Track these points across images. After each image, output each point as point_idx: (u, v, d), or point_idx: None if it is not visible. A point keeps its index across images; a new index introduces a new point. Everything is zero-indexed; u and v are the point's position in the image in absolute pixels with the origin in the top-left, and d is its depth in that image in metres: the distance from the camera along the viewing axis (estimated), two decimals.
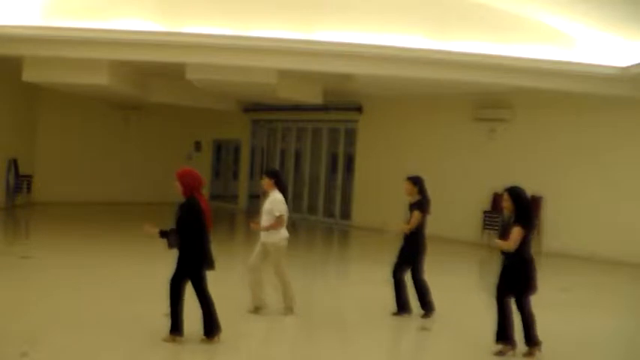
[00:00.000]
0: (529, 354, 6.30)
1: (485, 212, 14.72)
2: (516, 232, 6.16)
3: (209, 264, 6.26)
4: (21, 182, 17.05)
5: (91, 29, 12.02)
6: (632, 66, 12.04)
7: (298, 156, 19.89)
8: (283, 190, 7.38)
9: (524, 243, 6.23)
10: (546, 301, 9.86)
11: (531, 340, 6.32)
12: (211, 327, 6.25)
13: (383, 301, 8.05)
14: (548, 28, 12.65)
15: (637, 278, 12.36)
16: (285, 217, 7.33)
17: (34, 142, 18.40)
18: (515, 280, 6.26)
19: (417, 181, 7.87)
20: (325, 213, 18.76)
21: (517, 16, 12.52)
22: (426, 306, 7.80)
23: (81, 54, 12.47)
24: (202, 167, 21.91)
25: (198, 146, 22.04)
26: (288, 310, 7.47)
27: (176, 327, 6.19)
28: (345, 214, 18.18)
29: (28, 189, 17.48)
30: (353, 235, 16.70)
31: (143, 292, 8.20)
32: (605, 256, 13.25)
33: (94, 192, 18.90)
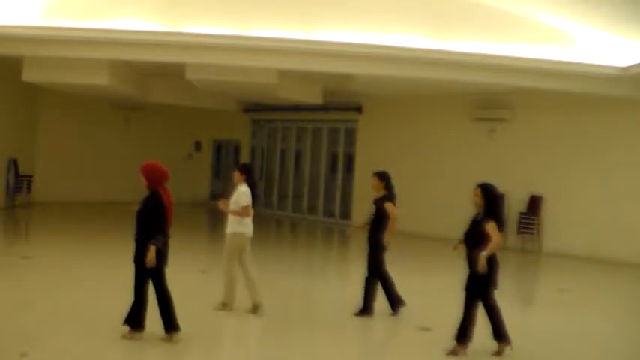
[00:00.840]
0: (499, 352, 6.29)
1: None
2: (494, 228, 6.09)
3: (165, 260, 6.24)
4: (21, 182, 17.05)
5: (91, 29, 12.02)
6: (632, 66, 12.04)
7: (298, 156, 19.89)
8: (253, 186, 7.52)
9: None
10: (546, 301, 9.92)
11: (502, 336, 6.30)
12: (171, 324, 6.20)
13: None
14: (548, 28, 12.65)
15: (637, 278, 12.36)
16: (251, 210, 7.44)
17: (34, 142, 18.39)
18: (482, 278, 6.18)
19: (383, 177, 7.80)
20: (325, 213, 18.76)
21: (517, 16, 12.52)
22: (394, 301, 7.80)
23: (81, 54, 12.48)
24: (202, 167, 21.94)
25: (198, 146, 22.04)
26: (225, 305, 7.52)
27: (138, 323, 6.17)
28: (345, 214, 18.18)
29: (28, 189, 17.47)
30: (353, 235, 16.65)
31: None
32: (605, 256, 13.25)
33: (94, 192, 18.90)
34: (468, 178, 15.17)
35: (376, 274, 7.73)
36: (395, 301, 7.81)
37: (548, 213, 14.31)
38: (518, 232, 14.46)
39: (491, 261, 6.19)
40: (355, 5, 12.48)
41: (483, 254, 6.02)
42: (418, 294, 9.44)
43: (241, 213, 7.37)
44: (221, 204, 7.51)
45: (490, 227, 6.10)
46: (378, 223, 7.65)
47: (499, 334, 6.34)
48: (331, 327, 7.40)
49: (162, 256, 6.17)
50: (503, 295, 10.86)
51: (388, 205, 7.60)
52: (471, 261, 6.23)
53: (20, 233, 15.10)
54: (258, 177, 20.62)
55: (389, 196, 7.71)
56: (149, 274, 6.18)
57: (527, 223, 14.35)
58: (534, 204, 14.44)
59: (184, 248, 12.65)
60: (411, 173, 15.58)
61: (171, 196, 6.34)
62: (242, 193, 7.41)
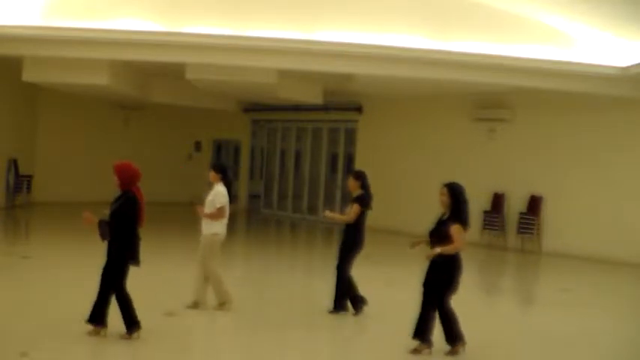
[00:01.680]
0: (453, 352, 6.19)
1: (485, 212, 14.75)
2: (459, 231, 6.02)
3: (135, 260, 6.22)
4: (21, 182, 17.05)
5: (91, 29, 12.02)
6: (632, 66, 12.03)
7: (298, 156, 19.88)
8: (228, 186, 7.50)
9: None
10: (546, 301, 9.92)
11: (455, 337, 6.21)
12: (130, 323, 6.18)
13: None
14: (548, 28, 12.65)
15: (637, 278, 12.35)
16: (227, 210, 7.42)
17: (34, 142, 18.39)
18: (443, 278, 6.12)
19: (359, 176, 7.81)
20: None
21: (517, 16, 12.52)
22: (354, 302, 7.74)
23: (81, 54, 12.47)
24: (202, 167, 21.92)
25: (198, 146, 22.04)
26: (197, 305, 7.50)
27: (101, 319, 6.18)
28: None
29: (28, 189, 17.47)
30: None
31: (143, 292, 8.17)
32: (605, 256, 13.25)
33: (94, 192, 18.83)
34: (468, 178, 15.23)
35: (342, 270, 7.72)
36: (352, 302, 7.76)
37: (548, 213, 14.31)
38: (518, 232, 14.46)
39: (454, 264, 6.13)
40: (355, 5, 12.48)
41: (437, 250, 6.03)
42: (418, 293, 9.44)
43: (215, 215, 7.34)
44: (196, 209, 7.51)
45: (454, 229, 6.04)
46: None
47: (452, 337, 6.23)
48: (329, 325, 7.40)
49: (125, 253, 6.14)
50: (504, 295, 10.90)
51: (354, 206, 7.67)
52: (433, 262, 6.17)
53: (20, 233, 15.10)
54: (259, 177, 20.65)
55: (364, 195, 7.69)
56: (121, 271, 6.17)
57: (527, 223, 14.34)
58: (534, 204, 14.44)
59: (184, 248, 12.67)
60: (411, 173, 15.58)
61: (144, 196, 6.36)
62: (218, 193, 7.38)
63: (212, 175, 7.53)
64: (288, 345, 6.75)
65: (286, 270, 11.48)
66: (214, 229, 7.44)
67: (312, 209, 19.02)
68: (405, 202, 15.44)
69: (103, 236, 6.18)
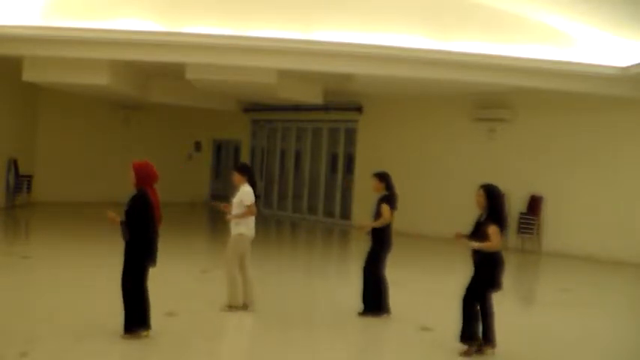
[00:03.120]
0: (480, 351, 6.29)
1: None
2: (496, 233, 6.09)
3: (153, 259, 6.25)
4: (21, 182, 17.05)
5: (91, 29, 12.02)
6: (632, 66, 12.04)
7: (298, 156, 19.89)
8: (253, 186, 7.50)
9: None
10: (546, 301, 9.92)
11: (489, 340, 6.31)
12: (131, 323, 6.20)
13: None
14: (548, 28, 12.65)
15: (637, 278, 12.36)
16: (254, 208, 7.45)
17: (34, 142, 18.39)
18: (484, 277, 6.21)
19: (383, 177, 7.78)
20: (325, 213, 18.76)
21: (517, 16, 12.52)
22: (380, 306, 7.69)
23: (81, 54, 12.47)
24: (202, 167, 21.95)
25: (198, 146, 22.04)
26: (233, 307, 7.52)
27: (144, 321, 6.23)
28: (345, 214, 18.19)
29: (28, 189, 17.47)
30: (353, 235, 16.70)
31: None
32: (605, 256, 13.26)
33: (94, 192, 18.89)
34: (469, 178, 15.28)
35: (377, 273, 7.70)
36: (380, 307, 7.70)
37: (548, 213, 14.32)
38: (518, 232, 14.46)
39: (494, 262, 6.20)
40: (355, 5, 12.48)
41: (475, 243, 6.12)
42: (418, 293, 9.46)
43: (247, 212, 7.37)
44: (223, 207, 7.56)
45: (492, 230, 6.11)
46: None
47: (487, 337, 6.34)
48: (330, 326, 7.40)
49: (143, 253, 6.18)
50: (504, 295, 10.87)
51: (383, 207, 7.62)
52: (475, 261, 6.26)
53: (20, 233, 15.10)
54: (258, 177, 20.60)
55: (390, 195, 7.72)
56: (140, 271, 6.21)
57: (527, 223, 14.35)
58: (534, 204, 14.44)
59: (184, 248, 12.68)
60: (411, 173, 15.59)
61: (159, 197, 6.34)
62: (246, 193, 7.39)
63: (237, 177, 7.50)
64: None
65: (288, 270, 11.47)
66: (240, 229, 7.46)
67: (312, 209, 19.04)
68: (405, 202, 15.40)
69: (124, 236, 6.20)
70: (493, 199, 6.24)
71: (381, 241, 7.66)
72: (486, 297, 6.33)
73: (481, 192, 6.29)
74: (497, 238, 6.10)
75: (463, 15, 12.52)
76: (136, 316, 6.21)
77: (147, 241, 6.20)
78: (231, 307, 7.51)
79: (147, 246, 6.19)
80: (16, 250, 11.74)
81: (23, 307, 7.37)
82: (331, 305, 8.60)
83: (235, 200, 7.47)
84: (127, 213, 6.19)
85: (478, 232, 6.25)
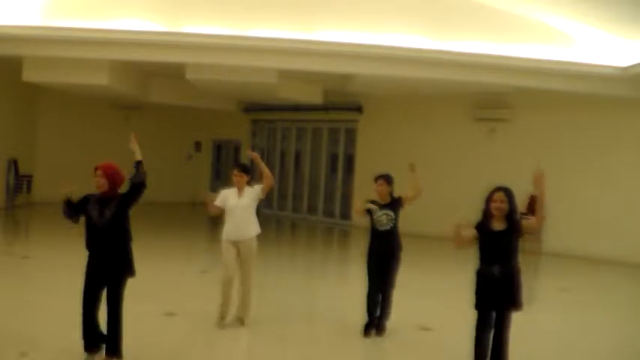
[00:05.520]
0: None
1: None
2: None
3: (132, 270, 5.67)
4: (21, 182, 17.05)
5: (91, 29, 12.02)
6: (632, 66, 12.04)
7: (298, 156, 19.89)
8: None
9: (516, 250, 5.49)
10: (546, 301, 9.91)
11: None
12: (116, 345, 5.53)
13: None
14: (548, 28, 12.66)
15: (637, 278, 12.36)
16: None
17: (34, 142, 18.40)
18: (504, 294, 5.45)
19: (389, 180, 7.29)
20: (325, 213, 18.76)
21: (517, 16, 12.53)
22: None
23: (81, 54, 12.48)
24: (202, 167, 21.94)
25: (198, 146, 22.04)
26: (240, 320, 7.12)
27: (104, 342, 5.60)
28: (345, 214, 18.19)
29: (28, 189, 17.47)
30: (353, 235, 16.70)
31: (143, 292, 8.18)
32: (605, 256, 13.26)
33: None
34: (469, 178, 15.30)
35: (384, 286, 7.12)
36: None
37: (548, 213, 14.30)
38: None
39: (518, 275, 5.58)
40: (355, 5, 12.48)
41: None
42: (418, 294, 9.45)
43: (268, 180, 6.92)
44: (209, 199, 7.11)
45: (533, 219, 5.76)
46: None
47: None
48: (330, 325, 7.40)
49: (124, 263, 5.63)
50: None
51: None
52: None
53: (20, 233, 15.10)
54: (259, 177, 20.60)
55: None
56: (107, 284, 5.59)
57: None
58: (534, 204, 14.40)
59: (184, 248, 12.69)
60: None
61: None
62: (257, 187, 7.01)
63: (243, 177, 7.05)
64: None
65: (299, 270, 11.48)
66: (256, 229, 7.11)
67: (312, 209, 19.04)
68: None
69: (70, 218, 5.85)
70: (513, 203, 5.69)
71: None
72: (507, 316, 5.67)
73: (503, 197, 5.64)
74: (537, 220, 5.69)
75: (463, 15, 12.52)
76: (120, 339, 5.58)
77: (128, 250, 5.65)
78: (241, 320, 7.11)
79: (128, 256, 5.65)
80: (16, 250, 11.74)
81: (23, 307, 7.37)
82: (331, 305, 8.60)
83: (246, 202, 6.98)
84: (115, 219, 5.64)
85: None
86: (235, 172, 7.09)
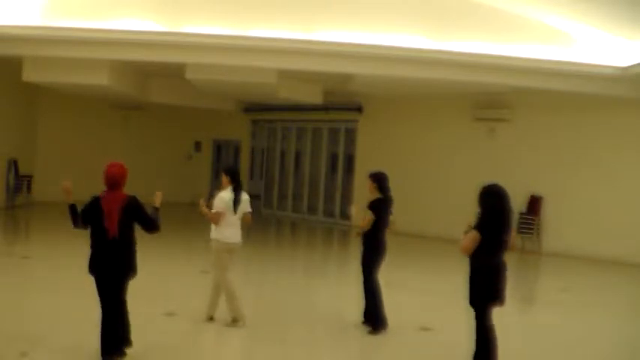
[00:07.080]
0: None
1: None
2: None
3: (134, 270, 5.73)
4: (21, 182, 17.05)
5: (91, 29, 12.02)
6: (632, 66, 12.03)
7: (298, 156, 19.89)
8: (237, 190, 7.00)
9: (486, 248, 5.56)
10: (546, 301, 9.92)
11: None
12: (110, 346, 5.52)
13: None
14: (548, 28, 12.66)
15: (637, 278, 12.36)
16: (228, 217, 7.02)
17: (34, 142, 18.39)
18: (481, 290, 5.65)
19: (377, 178, 7.20)
20: (325, 213, 18.76)
21: (517, 16, 12.53)
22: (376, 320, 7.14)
23: (81, 54, 12.47)
24: (202, 167, 21.94)
25: (198, 146, 22.04)
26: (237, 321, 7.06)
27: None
28: (345, 214, 18.17)
29: (28, 189, 17.47)
30: (353, 235, 16.69)
31: (143, 292, 8.18)
32: (605, 256, 13.25)
33: (94, 191, 18.88)
34: (468, 178, 15.28)
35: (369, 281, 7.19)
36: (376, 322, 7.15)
37: (548, 213, 14.31)
38: (518, 232, 14.42)
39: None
40: (355, 5, 12.48)
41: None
42: (418, 293, 9.45)
43: (213, 218, 7.04)
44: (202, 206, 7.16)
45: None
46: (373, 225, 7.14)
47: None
48: (329, 324, 7.40)
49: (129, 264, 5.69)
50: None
51: (367, 213, 7.07)
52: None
53: (20, 233, 15.10)
54: (259, 177, 20.62)
55: (376, 202, 7.17)
56: (112, 284, 5.65)
57: (527, 223, 14.34)
58: (534, 204, 14.44)
59: (184, 248, 12.68)
60: (411, 173, 15.59)
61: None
62: (218, 198, 6.99)
63: (223, 179, 7.07)
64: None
65: (299, 270, 11.48)
66: (218, 234, 7.17)
67: (312, 209, 19.04)
68: (406, 202, 15.42)
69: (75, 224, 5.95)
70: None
71: (371, 247, 7.15)
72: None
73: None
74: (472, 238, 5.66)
75: (463, 15, 12.52)
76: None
77: (133, 252, 5.72)
78: (235, 321, 7.06)
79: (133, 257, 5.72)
80: (16, 250, 11.74)
81: (23, 307, 7.37)
82: (331, 305, 8.60)
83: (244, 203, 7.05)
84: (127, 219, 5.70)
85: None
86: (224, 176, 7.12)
